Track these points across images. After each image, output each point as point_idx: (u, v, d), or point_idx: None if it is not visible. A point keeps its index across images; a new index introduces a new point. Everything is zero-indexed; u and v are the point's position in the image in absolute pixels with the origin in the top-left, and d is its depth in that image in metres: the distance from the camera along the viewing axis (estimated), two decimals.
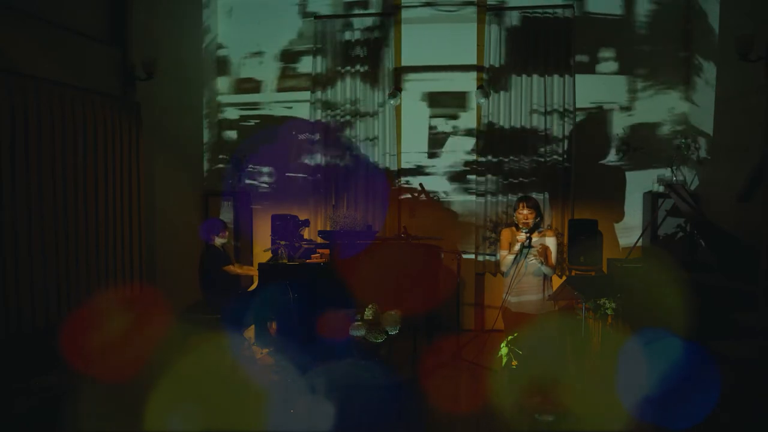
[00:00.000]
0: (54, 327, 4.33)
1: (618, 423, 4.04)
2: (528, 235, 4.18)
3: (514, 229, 4.34)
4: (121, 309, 5.00)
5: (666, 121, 6.37)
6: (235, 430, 3.86)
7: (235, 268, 5.54)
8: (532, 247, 4.19)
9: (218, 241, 5.59)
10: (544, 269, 4.23)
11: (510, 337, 4.02)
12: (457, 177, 6.80)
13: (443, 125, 6.79)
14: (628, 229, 6.48)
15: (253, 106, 7.12)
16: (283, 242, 5.24)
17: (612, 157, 6.52)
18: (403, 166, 6.86)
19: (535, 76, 6.45)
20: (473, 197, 6.72)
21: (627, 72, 6.49)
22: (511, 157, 6.55)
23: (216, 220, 5.82)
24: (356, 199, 6.83)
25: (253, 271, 5.69)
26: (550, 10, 6.39)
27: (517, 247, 4.22)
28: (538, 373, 4.17)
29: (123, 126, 5.19)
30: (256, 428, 3.85)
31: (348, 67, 6.76)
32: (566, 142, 6.44)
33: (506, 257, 4.31)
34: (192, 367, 4.62)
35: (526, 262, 4.20)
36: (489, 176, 6.60)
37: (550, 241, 4.31)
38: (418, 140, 6.83)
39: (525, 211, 4.22)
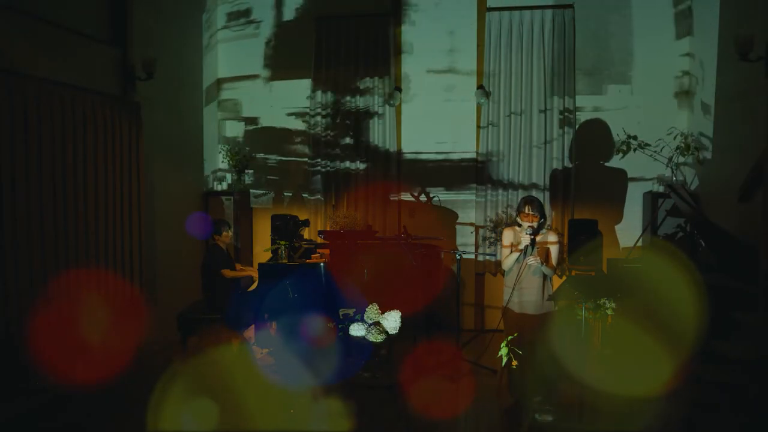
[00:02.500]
0: (54, 327, 4.33)
1: (619, 422, 4.04)
2: (532, 236, 4.17)
3: (516, 228, 4.33)
4: (118, 309, 5.01)
5: (666, 121, 6.36)
6: (235, 429, 3.86)
7: (231, 273, 5.49)
8: (536, 248, 4.19)
9: (222, 241, 5.57)
10: (544, 269, 4.22)
11: (510, 337, 4.03)
12: (457, 176, 6.80)
13: (445, 125, 6.80)
14: (628, 229, 6.47)
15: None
16: (283, 242, 5.24)
17: (612, 157, 6.52)
18: (403, 164, 6.87)
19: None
20: (473, 197, 6.72)
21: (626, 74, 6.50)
22: (512, 157, 6.57)
23: (207, 218, 5.78)
24: (356, 199, 6.83)
25: (252, 272, 5.66)
26: None
27: (520, 247, 4.22)
28: (538, 373, 4.18)
29: (123, 126, 5.18)
30: (256, 428, 3.86)
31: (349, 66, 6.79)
32: (567, 142, 6.45)
33: (508, 257, 4.30)
34: (192, 368, 4.63)
35: (528, 264, 4.19)
36: (489, 176, 6.61)
37: (552, 243, 4.31)
38: (418, 140, 6.85)
39: (530, 214, 4.21)
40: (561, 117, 6.46)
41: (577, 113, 6.51)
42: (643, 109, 6.45)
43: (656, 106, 6.43)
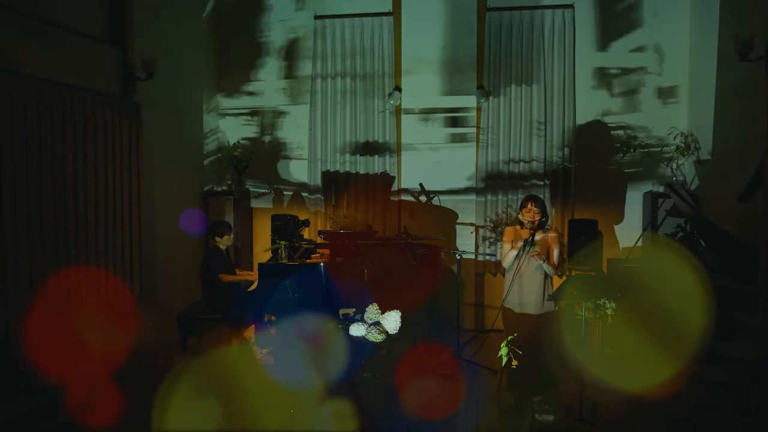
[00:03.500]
0: (54, 327, 4.33)
1: (619, 422, 4.04)
2: (532, 232, 4.18)
3: (518, 227, 4.35)
4: (118, 309, 5.01)
5: (666, 121, 6.36)
6: (236, 429, 3.86)
7: (228, 277, 5.43)
8: (535, 244, 4.20)
9: (222, 243, 5.52)
10: (546, 267, 4.23)
11: (510, 337, 4.03)
12: (456, 176, 6.79)
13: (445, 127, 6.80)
14: (628, 229, 6.47)
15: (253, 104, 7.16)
16: (283, 242, 5.24)
17: (612, 157, 6.51)
18: (403, 165, 6.86)
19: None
20: (473, 197, 6.72)
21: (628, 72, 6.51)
22: (512, 158, 6.57)
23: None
24: (356, 199, 6.83)
25: (250, 276, 5.57)
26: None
27: (520, 243, 4.22)
28: (538, 373, 4.18)
29: (123, 126, 5.18)
30: (257, 428, 3.86)
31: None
32: (567, 142, 6.46)
33: (509, 253, 4.31)
34: (192, 368, 4.63)
35: (528, 259, 4.20)
36: (489, 176, 6.61)
37: (554, 242, 4.32)
38: (418, 140, 6.85)
39: (533, 210, 4.22)
40: (561, 116, 6.46)
41: (576, 114, 6.51)
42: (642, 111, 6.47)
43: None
